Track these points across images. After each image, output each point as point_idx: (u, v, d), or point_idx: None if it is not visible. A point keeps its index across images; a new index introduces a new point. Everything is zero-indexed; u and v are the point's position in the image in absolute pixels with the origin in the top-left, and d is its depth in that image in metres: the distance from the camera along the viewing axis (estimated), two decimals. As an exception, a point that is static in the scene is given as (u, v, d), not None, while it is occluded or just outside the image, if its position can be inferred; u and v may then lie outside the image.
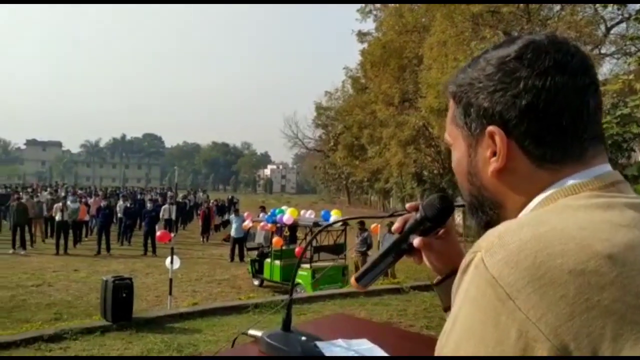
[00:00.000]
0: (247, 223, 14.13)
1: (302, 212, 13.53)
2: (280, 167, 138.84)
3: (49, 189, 28.15)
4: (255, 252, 13.49)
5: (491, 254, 0.61)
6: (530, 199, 0.72)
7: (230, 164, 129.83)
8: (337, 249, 12.06)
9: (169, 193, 31.59)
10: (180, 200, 27.27)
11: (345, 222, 12.35)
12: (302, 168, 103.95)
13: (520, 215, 0.73)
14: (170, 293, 8.77)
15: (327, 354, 1.21)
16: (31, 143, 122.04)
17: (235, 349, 1.31)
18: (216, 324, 7.15)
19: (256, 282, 12.64)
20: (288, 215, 11.99)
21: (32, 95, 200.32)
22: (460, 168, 0.81)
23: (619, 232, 0.61)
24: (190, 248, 18.73)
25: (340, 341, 1.29)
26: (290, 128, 53.43)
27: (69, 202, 17.67)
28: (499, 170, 0.73)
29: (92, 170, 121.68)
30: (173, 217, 16.91)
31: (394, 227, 1.00)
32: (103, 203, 18.56)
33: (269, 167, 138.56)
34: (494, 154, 0.73)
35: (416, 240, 0.94)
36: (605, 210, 0.65)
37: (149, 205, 19.44)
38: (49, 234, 18.90)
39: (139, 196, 27.57)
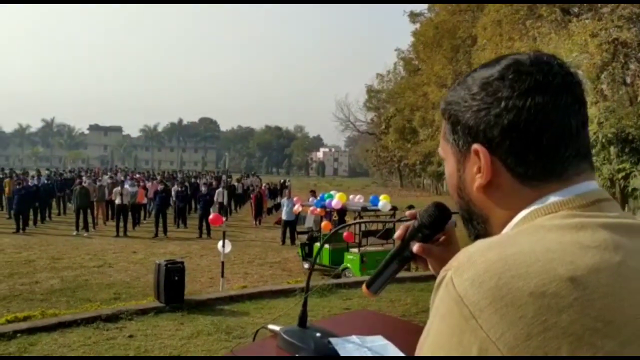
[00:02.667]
0: (297, 207, 14.28)
1: (351, 196, 13.56)
2: (333, 150, 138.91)
3: (109, 173, 29.27)
4: (305, 236, 13.64)
5: (460, 273, 0.63)
6: (514, 214, 0.74)
7: (283, 147, 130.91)
8: (386, 234, 12.03)
9: (224, 177, 32.28)
10: (236, 183, 27.81)
11: (394, 207, 12.31)
12: (354, 151, 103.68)
13: (504, 230, 0.75)
14: (222, 275, 9.02)
15: (340, 350, 1.26)
16: (94, 128, 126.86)
17: (255, 343, 1.38)
18: (264, 306, 7.32)
19: (306, 266, 12.81)
20: (337, 199, 12.04)
21: (94, 82, 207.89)
22: (451, 182, 0.84)
23: (587, 254, 0.62)
24: (243, 231, 19.12)
25: (354, 337, 1.34)
26: (342, 111, 53.17)
27: (127, 186, 18.27)
28: (484, 186, 0.75)
29: (150, 154, 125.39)
30: (225, 201, 17.28)
31: (396, 235, 1.03)
32: (160, 187, 19.06)
33: (322, 150, 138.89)
34: (479, 170, 0.75)
35: (415, 247, 0.97)
36: (577, 231, 0.66)
37: (203, 189, 19.93)
38: (109, 217, 19.61)
39: (192, 180, 28.20)
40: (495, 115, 0.73)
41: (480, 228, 0.80)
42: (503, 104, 0.72)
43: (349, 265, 11.17)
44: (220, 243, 9.09)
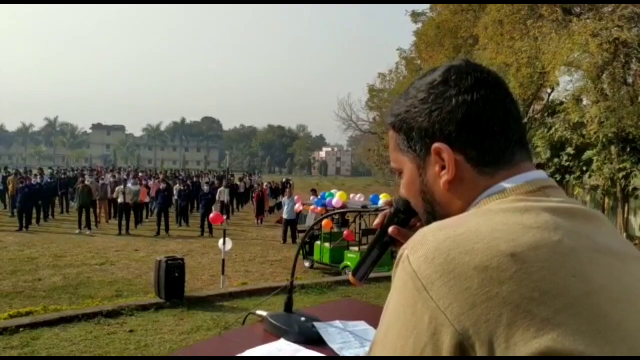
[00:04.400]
0: (298, 206, 14.34)
1: (352, 195, 13.63)
2: (335, 149, 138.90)
3: (112, 172, 29.39)
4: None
5: (414, 251, 0.71)
6: (468, 206, 0.81)
7: (286, 147, 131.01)
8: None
9: (226, 176, 32.39)
10: (238, 183, 27.89)
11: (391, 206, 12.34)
12: (356, 151, 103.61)
13: None
14: (223, 273, 9.09)
15: (323, 333, 1.33)
16: (97, 127, 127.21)
17: (244, 327, 1.45)
18: (263, 303, 7.40)
19: (307, 264, 12.87)
20: (337, 198, 12.12)
21: (97, 82, 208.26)
22: (412, 189, 0.89)
23: (528, 233, 0.69)
24: (245, 230, 19.19)
25: (337, 322, 1.41)
26: (345, 110, 53.02)
27: (129, 185, 18.32)
28: (450, 183, 0.81)
29: (153, 153, 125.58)
30: (227, 200, 17.34)
31: (375, 223, 1.10)
32: (162, 186, 19.10)
33: (324, 149, 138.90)
34: (442, 168, 0.82)
35: (390, 229, 1.03)
36: (522, 213, 0.72)
37: (205, 188, 20.01)
38: (112, 215, 19.70)
39: (194, 179, 28.29)
40: (448, 112, 0.80)
41: None
42: (454, 101, 0.80)
43: (349, 263, 11.23)
44: (221, 241, 9.17)
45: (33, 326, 5.80)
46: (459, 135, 0.80)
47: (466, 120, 0.79)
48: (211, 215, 11.27)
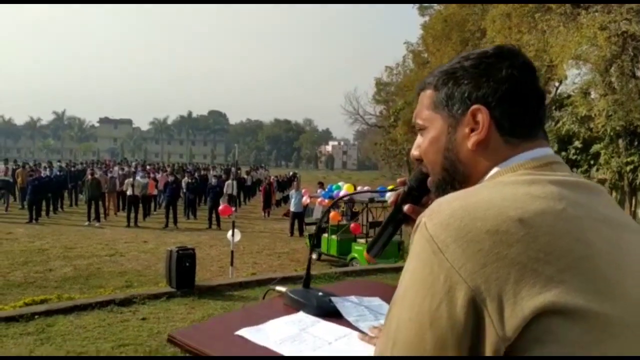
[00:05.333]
0: (305, 199, 14.43)
1: (359, 188, 13.70)
2: (342, 143, 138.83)
3: (120, 165, 29.58)
4: (313, 227, 13.80)
5: (431, 218, 0.78)
6: (489, 169, 0.89)
7: (292, 141, 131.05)
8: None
9: (233, 169, 32.55)
10: (245, 176, 28.04)
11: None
12: (363, 144, 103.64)
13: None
14: (231, 264, 9.20)
15: (339, 307, 1.40)
16: (104, 121, 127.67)
17: (265, 301, 1.53)
18: (273, 292, 7.49)
19: (314, 256, 12.98)
20: (344, 191, 12.19)
21: (104, 76, 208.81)
22: (435, 146, 0.96)
23: (535, 202, 0.76)
24: (252, 222, 19.32)
25: (352, 297, 1.48)
26: (351, 104, 53.08)
27: (138, 178, 18.46)
28: (477, 144, 0.89)
29: (160, 147, 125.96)
30: (235, 192, 17.45)
31: (389, 201, 1.18)
32: (170, 178, 19.24)
33: (331, 143, 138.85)
34: (472, 130, 0.90)
35: (405, 207, 1.11)
36: (529, 185, 0.80)
37: (213, 180, 20.14)
38: (120, 208, 19.88)
39: (202, 172, 28.44)
40: (496, 81, 0.88)
41: (459, 189, 0.93)
42: (504, 72, 0.88)
43: (356, 255, 11.33)
44: (229, 232, 9.27)
45: (48, 313, 5.92)
46: (498, 104, 0.88)
47: (509, 93, 0.88)
48: (220, 207, 11.39)
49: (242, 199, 25.49)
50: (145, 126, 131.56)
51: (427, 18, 25.83)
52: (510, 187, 0.81)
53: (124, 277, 9.66)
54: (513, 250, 0.71)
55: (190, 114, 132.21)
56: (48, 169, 21.57)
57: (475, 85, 0.90)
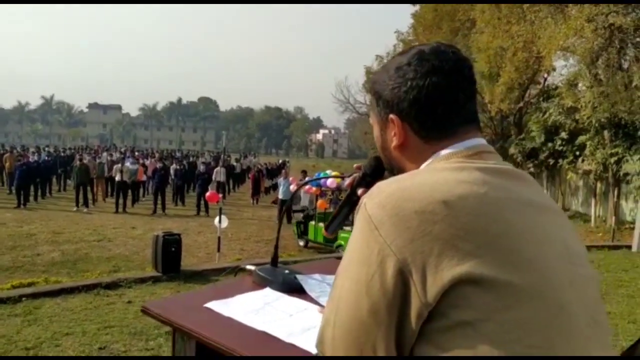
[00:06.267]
0: (292, 187, 14.52)
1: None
2: (332, 132, 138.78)
3: (108, 151, 29.49)
4: (301, 215, 13.91)
5: (371, 199, 0.90)
6: (416, 167, 1.00)
7: (282, 128, 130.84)
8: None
9: (222, 156, 32.58)
10: (235, 163, 28.08)
11: None
12: (353, 133, 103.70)
13: None
14: (218, 250, 9.28)
15: (303, 284, 1.52)
16: (93, 107, 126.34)
17: (234, 279, 1.64)
18: (244, 271, 7.60)
19: (301, 243, 13.10)
20: (331, 179, 12.30)
21: (94, 60, 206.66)
22: (378, 144, 1.11)
23: (460, 186, 0.87)
24: (240, 209, 19.38)
25: (316, 275, 1.60)
26: (342, 93, 53.03)
27: (127, 164, 18.41)
28: (398, 146, 1.02)
29: (149, 133, 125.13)
30: (223, 179, 17.48)
31: (345, 184, 1.30)
32: (158, 165, 19.22)
33: (321, 131, 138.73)
34: (395, 134, 1.02)
35: (359, 190, 1.23)
36: (458, 171, 0.91)
37: (201, 167, 20.16)
38: (109, 194, 19.85)
39: (190, 159, 28.44)
40: (404, 92, 0.99)
41: None
42: (409, 83, 0.99)
43: (342, 242, 11.45)
44: (217, 219, 9.35)
45: (35, 296, 6.00)
46: (409, 111, 0.99)
47: (415, 101, 0.98)
48: (207, 194, 11.43)
49: (231, 186, 25.54)
50: (134, 112, 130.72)
51: (417, 7, 25.82)
52: (442, 173, 0.92)
53: (111, 262, 9.69)
54: (437, 228, 0.82)
55: (180, 100, 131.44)
56: (36, 154, 21.47)
57: (391, 94, 1.01)
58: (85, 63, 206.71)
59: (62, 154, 25.69)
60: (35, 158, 20.14)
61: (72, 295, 6.17)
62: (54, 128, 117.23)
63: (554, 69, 18.84)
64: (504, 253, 0.83)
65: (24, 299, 5.91)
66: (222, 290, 1.48)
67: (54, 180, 22.29)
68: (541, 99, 20.38)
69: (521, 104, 20.92)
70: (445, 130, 0.98)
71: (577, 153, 17.70)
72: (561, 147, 18.32)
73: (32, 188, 18.28)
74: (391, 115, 1.01)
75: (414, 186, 0.88)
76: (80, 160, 18.45)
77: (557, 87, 18.47)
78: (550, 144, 18.82)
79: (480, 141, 1.00)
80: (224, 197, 19.57)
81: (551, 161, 19.11)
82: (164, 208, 17.64)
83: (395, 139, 1.01)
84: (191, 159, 28.60)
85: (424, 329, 0.82)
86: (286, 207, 16.16)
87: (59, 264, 9.23)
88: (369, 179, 1.23)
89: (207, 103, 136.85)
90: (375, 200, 0.88)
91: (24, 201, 17.17)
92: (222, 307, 1.35)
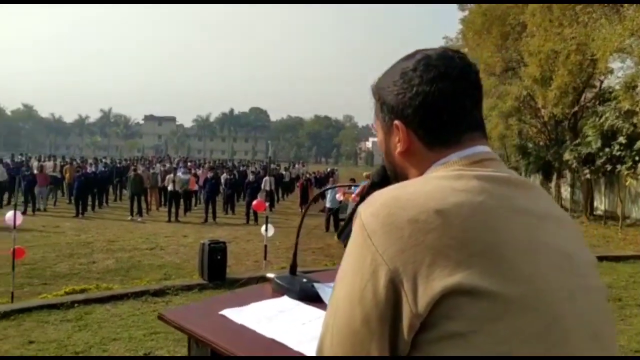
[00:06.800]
0: (339, 196, 14.50)
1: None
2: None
3: (162, 162, 30.36)
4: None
5: (365, 208, 0.89)
6: (420, 173, 0.99)
7: (332, 137, 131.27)
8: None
9: (273, 165, 33.08)
10: (284, 172, 28.37)
11: None
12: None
13: None
14: (265, 258, 9.38)
15: (321, 292, 1.52)
16: (149, 118, 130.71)
17: (255, 286, 1.66)
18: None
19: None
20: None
21: (149, 74, 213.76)
22: (382, 149, 1.09)
23: (455, 195, 0.85)
24: (288, 218, 19.49)
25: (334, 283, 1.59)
26: (391, 100, 52.82)
27: (179, 174, 18.88)
28: (403, 152, 1.00)
29: (203, 144, 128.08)
30: (270, 188, 17.66)
31: (356, 192, 1.30)
32: (209, 174, 19.63)
33: (371, 139, 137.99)
34: (399, 140, 1.00)
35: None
36: (455, 179, 0.89)
37: (251, 177, 20.45)
38: (162, 203, 20.40)
39: (241, 168, 28.90)
40: (409, 98, 0.97)
41: None
42: (414, 89, 0.97)
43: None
44: (263, 227, 9.46)
45: (86, 302, 6.23)
46: (414, 117, 0.97)
47: (420, 107, 0.96)
48: (254, 202, 11.56)
49: (280, 195, 25.76)
50: (188, 123, 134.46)
51: (466, 12, 25.41)
52: (438, 181, 0.90)
53: (162, 269, 9.91)
54: (429, 237, 0.80)
55: (232, 111, 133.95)
56: (94, 165, 22.34)
57: (396, 100, 0.99)
58: (142, 77, 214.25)
59: (118, 165, 26.65)
60: (93, 169, 20.95)
61: (121, 301, 6.37)
62: (112, 140, 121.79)
63: (611, 72, 18.16)
64: (497, 263, 0.80)
65: (76, 304, 6.14)
66: (239, 297, 1.50)
67: (110, 190, 23.12)
68: (597, 102, 19.63)
69: (576, 108, 20.21)
70: (451, 138, 0.96)
71: (637, 158, 16.92)
72: (619, 152, 17.54)
73: (89, 198, 19.01)
74: (396, 122, 0.99)
75: (408, 195, 0.87)
76: (135, 170, 19.06)
77: (613, 90, 17.76)
78: (607, 149, 18.05)
79: (483, 149, 0.97)
80: (272, 205, 19.91)
81: (609, 167, 18.32)
82: (214, 217, 17.93)
83: (399, 145, 1.00)
84: (241, 168, 29.04)
85: (416, 339, 0.80)
86: (331, 215, 16.18)
87: (112, 272, 9.53)
88: (377, 187, 1.22)
89: (258, 113, 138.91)
90: (370, 208, 0.88)
91: (82, 210, 17.87)
92: (236, 314, 1.37)
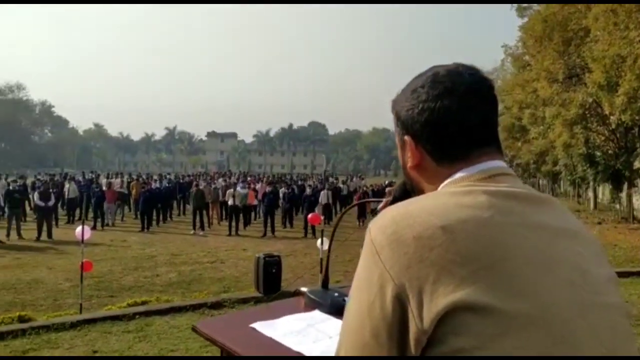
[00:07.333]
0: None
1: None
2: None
3: (223, 177, 31.13)
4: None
5: (375, 224, 0.92)
6: (433, 187, 1.00)
7: (390, 150, 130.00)
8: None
9: (330, 179, 33.22)
10: (341, 185, 28.42)
11: None
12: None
13: None
14: (321, 271, 9.41)
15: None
16: (211, 135, 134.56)
17: (288, 299, 1.70)
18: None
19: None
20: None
21: (212, 92, 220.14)
22: (400, 161, 1.11)
23: (461, 211, 0.86)
24: (346, 231, 19.40)
25: (366, 297, 1.61)
26: (450, 111, 52.04)
27: (238, 188, 19.37)
28: (414, 167, 1.02)
29: (263, 159, 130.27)
30: (329, 201, 17.72)
31: (379, 207, 1.32)
32: (268, 189, 19.96)
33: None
34: (410, 155, 1.02)
35: None
36: (463, 195, 0.90)
37: (308, 190, 20.63)
38: (223, 217, 20.90)
39: (299, 182, 29.19)
40: (417, 113, 1.00)
41: None
42: (421, 105, 0.99)
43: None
44: (319, 241, 9.52)
45: (147, 314, 6.47)
46: (421, 133, 0.99)
47: (428, 123, 0.98)
48: (310, 216, 11.65)
49: (337, 208, 25.80)
50: (249, 139, 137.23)
51: (525, 19, 24.80)
52: (446, 197, 0.91)
53: (222, 282, 10.14)
54: (433, 253, 0.81)
55: (291, 125, 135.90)
56: (158, 181, 23.18)
57: (406, 116, 1.02)
58: (205, 95, 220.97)
59: (181, 181, 27.54)
60: (157, 185, 21.75)
61: (180, 314, 6.57)
62: (176, 156, 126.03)
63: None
64: (502, 279, 0.80)
65: (137, 316, 6.39)
66: (272, 310, 1.54)
67: (174, 205, 23.90)
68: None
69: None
70: (459, 153, 0.97)
71: None
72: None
73: (154, 213, 19.72)
74: (406, 137, 1.02)
75: (415, 211, 0.88)
76: (197, 186, 19.64)
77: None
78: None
79: (495, 163, 0.97)
80: (330, 219, 19.94)
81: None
82: (273, 230, 18.17)
83: (410, 160, 1.02)
84: (299, 182, 29.34)
85: (425, 354, 0.81)
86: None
87: (175, 284, 9.83)
88: (398, 202, 1.23)
89: (317, 127, 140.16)
90: (378, 224, 0.90)
91: (147, 225, 18.57)
92: (266, 327, 1.41)
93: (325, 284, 1.64)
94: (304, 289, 1.69)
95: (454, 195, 0.91)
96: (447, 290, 0.79)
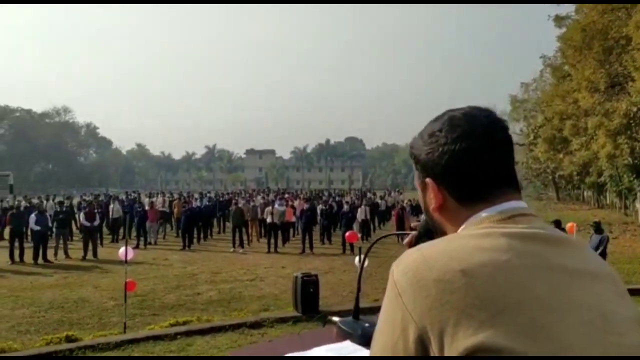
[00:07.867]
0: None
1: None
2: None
3: (261, 194, 31.44)
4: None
5: (397, 266, 0.96)
6: (456, 228, 1.04)
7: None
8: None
9: (368, 194, 33.11)
10: (379, 201, 28.30)
11: (556, 222, 11.77)
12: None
13: None
14: (358, 290, 9.37)
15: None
16: (250, 152, 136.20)
17: (322, 329, 1.74)
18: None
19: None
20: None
21: (252, 110, 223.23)
22: (422, 202, 1.15)
23: (480, 254, 0.89)
24: (385, 248, 19.26)
25: (397, 328, 1.64)
26: (489, 122, 51.26)
27: (276, 206, 19.52)
28: (437, 208, 1.06)
29: (301, 175, 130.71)
30: (367, 217, 17.62)
31: (405, 241, 1.35)
32: (306, 206, 20.04)
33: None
34: (433, 196, 1.06)
35: None
36: (482, 238, 0.93)
37: (346, 207, 20.61)
38: (262, 234, 21.03)
39: (337, 198, 29.19)
40: (438, 156, 1.03)
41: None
42: (441, 149, 1.03)
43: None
44: (357, 258, 9.51)
45: (188, 334, 6.59)
46: (443, 175, 1.03)
47: (447, 166, 1.02)
48: (347, 234, 11.65)
49: (376, 224, 25.66)
50: (287, 155, 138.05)
51: (564, 29, 24.35)
52: (465, 240, 0.94)
53: (262, 300, 10.17)
54: (454, 297, 0.85)
55: (328, 141, 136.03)
56: (199, 200, 23.59)
57: (426, 159, 1.06)
58: (243, 112, 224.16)
59: (221, 199, 27.94)
60: (198, 204, 22.14)
61: (220, 333, 6.67)
62: (216, 174, 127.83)
63: None
64: (520, 322, 0.82)
65: (178, 336, 6.52)
66: (303, 340, 1.59)
67: (214, 223, 24.23)
68: None
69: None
70: (479, 194, 1.00)
71: None
72: None
73: (195, 231, 20.05)
74: (427, 179, 1.05)
75: (435, 254, 0.92)
76: (236, 204, 19.90)
77: None
78: None
79: (515, 204, 1.00)
80: (368, 235, 19.86)
81: None
82: (311, 247, 18.14)
83: (433, 201, 1.05)
84: (337, 198, 29.35)
85: None
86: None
87: (215, 302, 9.93)
88: (424, 239, 1.26)
89: (354, 142, 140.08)
90: (400, 267, 0.94)
91: (188, 243, 18.89)
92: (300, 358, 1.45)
93: (356, 314, 1.68)
94: (335, 319, 1.73)
95: (473, 237, 0.94)
96: (467, 333, 0.81)
